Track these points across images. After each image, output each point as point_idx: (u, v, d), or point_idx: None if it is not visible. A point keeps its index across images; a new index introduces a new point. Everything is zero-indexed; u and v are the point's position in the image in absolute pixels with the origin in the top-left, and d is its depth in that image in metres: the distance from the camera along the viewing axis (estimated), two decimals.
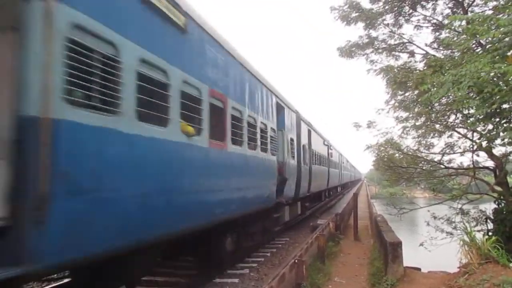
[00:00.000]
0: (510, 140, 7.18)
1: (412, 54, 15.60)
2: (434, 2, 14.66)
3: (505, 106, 6.78)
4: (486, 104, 6.83)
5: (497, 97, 6.47)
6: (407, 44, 15.65)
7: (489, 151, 11.94)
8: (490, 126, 7.82)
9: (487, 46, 7.99)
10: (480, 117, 7.29)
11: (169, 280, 7.74)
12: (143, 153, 4.84)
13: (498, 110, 6.79)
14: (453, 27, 11.59)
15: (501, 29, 6.44)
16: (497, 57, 6.52)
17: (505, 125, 7.25)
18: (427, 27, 15.34)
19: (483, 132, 8.38)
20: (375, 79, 14.24)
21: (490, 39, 6.71)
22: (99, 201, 4.10)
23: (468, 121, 9.18)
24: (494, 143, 8.55)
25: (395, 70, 13.19)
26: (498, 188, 13.20)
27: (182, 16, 5.81)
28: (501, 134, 7.29)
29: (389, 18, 15.16)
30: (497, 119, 7.36)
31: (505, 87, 6.69)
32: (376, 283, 8.32)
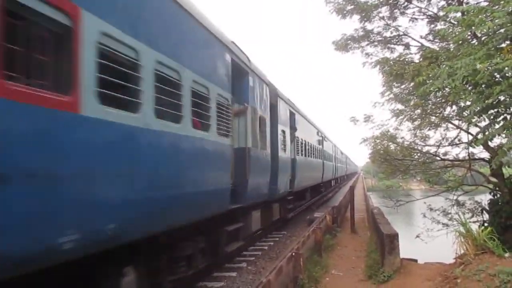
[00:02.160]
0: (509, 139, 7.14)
1: (407, 46, 15.56)
2: None
3: (501, 97, 6.77)
4: (482, 97, 6.83)
5: (494, 89, 6.46)
6: (402, 36, 15.62)
7: (484, 143, 11.99)
8: (487, 121, 7.79)
9: (482, 38, 7.97)
10: (476, 110, 7.28)
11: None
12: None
13: (494, 103, 6.78)
14: (448, 19, 11.57)
15: (496, 20, 6.43)
16: (492, 49, 6.51)
17: (502, 122, 7.23)
18: (422, 19, 15.29)
19: (480, 126, 8.36)
20: (371, 72, 14.24)
21: (485, 30, 6.69)
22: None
23: (465, 114, 9.17)
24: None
25: (391, 62, 13.16)
26: (494, 179, 13.27)
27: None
28: (500, 134, 7.27)
29: (384, 11, 15.09)
30: (493, 113, 7.34)
31: (501, 79, 6.69)
32: (373, 275, 8.37)
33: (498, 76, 6.89)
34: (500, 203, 11.77)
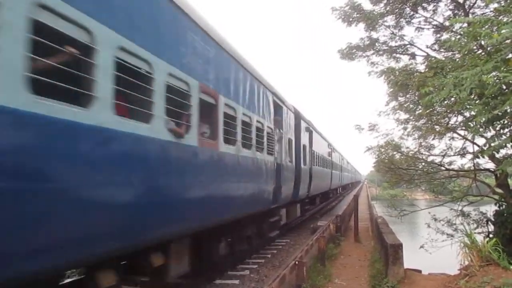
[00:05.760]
0: None
1: (413, 56, 15.59)
2: (435, 3, 14.65)
3: (508, 109, 6.75)
4: (487, 108, 6.81)
5: (499, 100, 6.45)
6: (408, 46, 15.65)
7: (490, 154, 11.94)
8: (492, 132, 7.76)
9: (488, 48, 7.97)
10: (482, 121, 7.26)
11: (168, 282, 7.71)
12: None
13: (499, 114, 6.76)
14: (454, 30, 11.58)
15: (503, 31, 6.43)
16: (499, 62, 6.48)
17: (508, 133, 7.20)
18: (428, 28, 15.34)
19: (486, 136, 8.34)
20: (376, 80, 14.23)
21: (491, 42, 6.67)
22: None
23: (471, 126, 9.15)
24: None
25: (396, 72, 13.17)
26: (499, 190, 13.19)
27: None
28: (507, 145, 7.22)
29: (390, 20, 15.16)
30: (500, 124, 7.32)
31: (507, 90, 6.68)
32: (376, 285, 8.30)
33: (504, 87, 6.88)
34: (505, 214, 11.66)
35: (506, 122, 7.27)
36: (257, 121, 9.02)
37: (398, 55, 15.72)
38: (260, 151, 9.25)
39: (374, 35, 15.38)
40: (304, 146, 15.42)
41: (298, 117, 14.76)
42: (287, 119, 12.68)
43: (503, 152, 9.35)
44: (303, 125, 15.40)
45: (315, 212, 20.99)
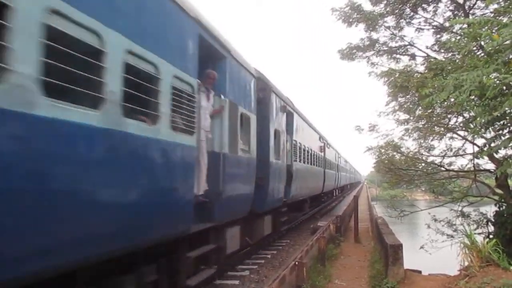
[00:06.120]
0: None
1: (413, 57, 15.61)
2: (435, 4, 14.67)
3: (507, 110, 6.75)
4: (487, 109, 6.82)
5: (499, 101, 6.46)
6: (408, 46, 15.67)
7: (490, 154, 11.96)
8: (492, 133, 7.77)
9: (488, 49, 7.99)
10: (482, 122, 7.27)
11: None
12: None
13: (499, 115, 6.77)
14: (454, 30, 11.61)
15: (501, 33, 6.43)
16: (500, 64, 6.48)
17: (507, 134, 7.21)
18: (428, 29, 15.36)
19: (486, 137, 8.35)
20: (376, 81, 14.24)
21: (492, 45, 6.67)
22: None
23: (470, 127, 9.17)
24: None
25: (396, 74, 13.18)
26: (499, 191, 13.20)
27: None
28: (507, 146, 7.24)
29: (390, 20, 15.18)
30: (499, 125, 7.33)
31: (507, 91, 6.69)
32: (376, 286, 8.31)
33: (505, 88, 6.89)
34: (505, 215, 11.68)
35: (505, 123, 7.28)
36: (140, 57, 4.27)
37: (398, 56, 15.75)
38: (152, 120, 4.54)
39: (374, 35, 15.41)
40: (278, 132, 10.89)
41: (265, 87, 9.94)
42: (239, 83, 7.97)
43: (502, 152, 9.38)
44: (276, 102, 10.73)
45: (298, 224, 17.03)
